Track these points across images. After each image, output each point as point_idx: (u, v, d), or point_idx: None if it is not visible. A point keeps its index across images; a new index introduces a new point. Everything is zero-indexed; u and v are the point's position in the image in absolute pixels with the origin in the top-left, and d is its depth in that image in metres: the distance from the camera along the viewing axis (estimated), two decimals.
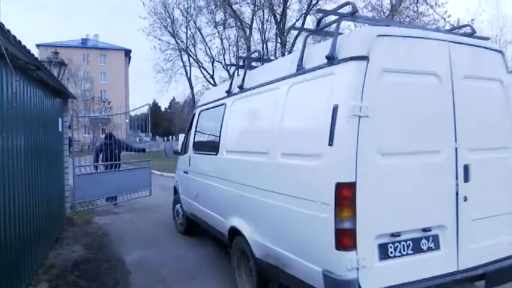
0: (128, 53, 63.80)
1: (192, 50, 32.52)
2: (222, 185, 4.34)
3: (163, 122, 73.80)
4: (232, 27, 26.35)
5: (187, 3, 28.61)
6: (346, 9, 2.96)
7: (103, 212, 8.53)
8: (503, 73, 3.24)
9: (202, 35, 30.54)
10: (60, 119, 6.76)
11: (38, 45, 47.93)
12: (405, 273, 2.64)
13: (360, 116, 2.50)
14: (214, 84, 33.64)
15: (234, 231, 3.91)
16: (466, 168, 2.90)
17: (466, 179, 2.90)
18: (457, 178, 2.88)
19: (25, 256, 4.06)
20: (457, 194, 2.87)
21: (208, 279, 4.51)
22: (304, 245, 2.83)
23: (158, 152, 32.03)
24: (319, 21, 3.41)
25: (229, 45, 30.52)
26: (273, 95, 3.43)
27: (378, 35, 2.63)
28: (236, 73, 4.74)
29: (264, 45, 25.52)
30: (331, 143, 2.57)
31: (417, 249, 2.72)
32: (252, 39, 24.47)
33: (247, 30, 23.96)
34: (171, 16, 30.06)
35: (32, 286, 4.19)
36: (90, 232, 6.77)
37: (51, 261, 5.06)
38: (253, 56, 4.67)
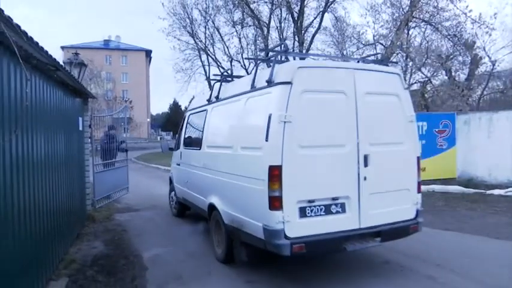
0: (148, 53, 64.70)
1: (211, 50, 32.61)
2: (204, 173, 5.60)
3: None
4: (250, 26, 26.28)
5: (206, 3, 28.71)
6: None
7: (123, 209, 8.66)
8: (400, 89, 4.46)
9: (220, 35, 30.60)
10: (80, 118, 6.89)
11: (62, 47, 49.08)
12: (318, 227, 3.83)
13: (285, 122, 3.72)
14: None
15: (212, 207, 5.12)
16: (366, 157, 4.08)
17: (366, 165, 4.08)
18: (358, 163, 4.06)
19: (47, 251, 4.16)
20: (358, 175, 4.05)
21: (224, 276, 4.52)
22: (252, 210, 4.03)
23: None
24: (267, 53, 4.92)
25: (247, 44, 30.46)
26: (237, 105, 4.69)
27: (299, 67, 3.90)
28: (218, 85, 5.71)
29: (282, 44, 25.37)
30: (267, 139, 3.78)
31: (328, 211, 3.92)
32: (270, 38, 24.35)
33: (265, 29, 23.86)
34: (190, 16, 30.22)
35: (53, 280, 4.28)
36: (110, 229, 6.88)
37: (72, 257, 5.17)
38: (228, 72, 6.34)
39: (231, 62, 32.66)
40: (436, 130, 11.24)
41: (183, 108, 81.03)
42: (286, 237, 3.67)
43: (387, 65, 4.75)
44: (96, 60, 35.27)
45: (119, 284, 4.36)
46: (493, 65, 16.67)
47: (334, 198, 3.94)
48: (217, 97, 5.53)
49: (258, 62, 6.15)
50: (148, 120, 67.41)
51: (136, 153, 26.57)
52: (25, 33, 2.78)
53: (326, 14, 22.45)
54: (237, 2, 23.58)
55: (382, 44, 18.12)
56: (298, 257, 3.87)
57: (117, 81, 52.45)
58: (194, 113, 6.77)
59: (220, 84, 5.53)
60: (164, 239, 6.21)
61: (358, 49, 19.32)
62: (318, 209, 3.87)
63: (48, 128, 4.35)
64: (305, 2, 21.60)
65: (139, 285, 4.31)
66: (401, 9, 17.56)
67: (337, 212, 3.96)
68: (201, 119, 6.09)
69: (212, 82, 6.16)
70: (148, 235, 6.48)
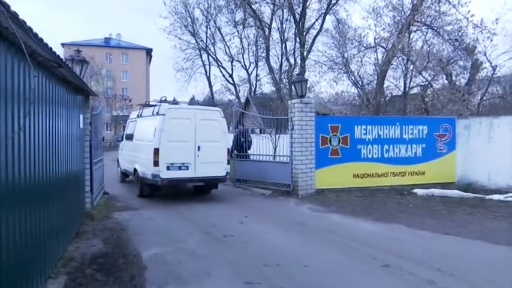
0: (149, 52, 64.60)
1: (212, 49, 32.64)
2: (132, 153, 10.92)
3: None
4: (251, 26, 26.31)
5: (208, 3, 28.72)
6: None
7: (122, 208, 8.64)
8: (219, 118, 9.59)
9: (221, 34, 30.62)
10: (81, 116, 6.86)
11: (63, 44, 49.03)
12: (175, 175, 8.94)
13: (161, 130, 8.83)
14: (233, 84, 33.68)
15: (135, 170, 10.15)
16: (199, 147, 9.12)
17: (199, 150, 9.15)
18: (195, 149, 9.16)
19: (46, 249, 4.12)
20: (195, 154, 9.13)
21: (223, 278, 4.50)
22: (148, 167, 9.08)
23: None
24: (161, 100, 10.05)
25: (248, 45, 30.50)
26: (147, 120, 10.07)
27: (169, 108, 9.14)
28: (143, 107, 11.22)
29: (283, 45, 25.38)
30: (154, 137, 8.91)
31: (180, 168, 9.01)
32: (271, 38, 24.35)
33: (267, 30, 23.86)
34: (192, 15, 30.22)
35: (51, 278, 4.25)
36: (109, 227, 6.85)
37: (71, 255, 5.14)
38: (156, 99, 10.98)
39: (231, 62, 32.66)
40: (437, 134, 11.27)
41: None
42: (160, 178, 8.79)
43: (215, 105, 12.18)
44: (97, 58, 35.26)
45: (118, 282, 4.33)
46: (494, 70, 16.71)
47: (183, 163, 9.04)
48: (141, 115, 10.97)
49: (162, 100, 9.99)
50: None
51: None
52: (30, 29, 2.76)
53: (328, 16, 22.51)
54: (239, 2, 23.60)
55: (383, 47, 18.14)
56: (165, 186, 9.18)
57: (117, 79, 52.38)
58: (131, 121, 12.11)
59: (143, 108, 11.01)
60: (163, 238, 6.19)
61: (359, 52, 19.35)
62: (175, 167, 8.94)
63: (49, 124, 4.32)
64: (307, 4, 21.63)
65: (139, 285, 4.29)
66: (403, 13, 17.59)
67: (184, 169, 9.07)
68: (133, 125, 11.40)
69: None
70: (147, 234, 6.46)
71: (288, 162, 10.23)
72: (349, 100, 19.93)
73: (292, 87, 16.08)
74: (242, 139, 11.84)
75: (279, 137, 14.59)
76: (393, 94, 19.53)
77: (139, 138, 10.26)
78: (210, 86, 35.84)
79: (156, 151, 8.66)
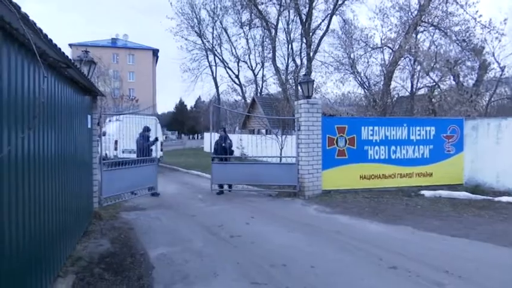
0: (155, 52, 64.87)
1: (218, 50, 32.70)
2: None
3: (189, 120, 74.43)
4: (258, 27, 26.33)
5: (214, 4, 28.80)
6: None
7: (130, 208, 8.69)
8: (155, 122, 12.34)
9: (228, 35, 30.68)
10: (89, 116, 6.91)
11: (70, 45, 49.41)
12: (126, 156, 13.09)
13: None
14: (239, 84, 33.68)
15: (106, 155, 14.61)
16: (116, 142, 15.47)
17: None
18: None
19: (55, 248, 4.16)
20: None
21: (229, 278, 4.51)
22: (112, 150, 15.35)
23: (184, 150, 32.40)
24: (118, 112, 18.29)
25: (254, 45, 30.54)
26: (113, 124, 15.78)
27: (116, 120, 15.20)
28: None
29: (289, 46, 25.35)
30: (112, 135, 14.91)
31: (130, 152, 12.86)
32: (277, 39, 24.35)
33: (273, 31, 23.86)
34: (198, 16, 30.32)
35: (60, 277, 4.29)
36: (116, 227, 6.90)
37: (79, 254, 5.18)
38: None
39: (238, 63, 32.66)
40: (444, 135, 11.18)
41: (188, 108, 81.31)
42: (118, 158, 12.93)
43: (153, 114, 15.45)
44: (104, 59, 35.39)
45: (126, 282, 4.36)
46: (502, 70, 16.54)
47: (131, 150, 12.17)
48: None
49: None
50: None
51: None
52: (41, 31, 2.79)
53: (334, 16, 22.45)
54: (245, 3, 23.62)
55: (390, 48, 18.05)
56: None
57: (124, 80, 52.52)
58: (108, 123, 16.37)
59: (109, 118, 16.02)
60: (170, 237, 6.23)
61: (365, 52, 19.27)
62: (126, 151, 13.69)
63: (58, 125, 4.37)
64: (313, 4, 21.59)
65: (146, 284, 4.31)
66: (409, 13, 17.51)
67: (133, 153, 11.62)
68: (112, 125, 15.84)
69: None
70: (154, 234, 6.49)
71: (294, 163, 10.21)
72: (355, 101, 19.85)
73: (299, 87, 16.07)
74: (222, 143, 11.00)
75: (285, 137, 14.61)
76: (400, 95, 19.43)
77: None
78: (217, 87, 35.92)
79: (116, 142, 15.05)
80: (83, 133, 6.30)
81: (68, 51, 41.91)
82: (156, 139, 11.01)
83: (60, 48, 3.67)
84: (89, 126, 6.93)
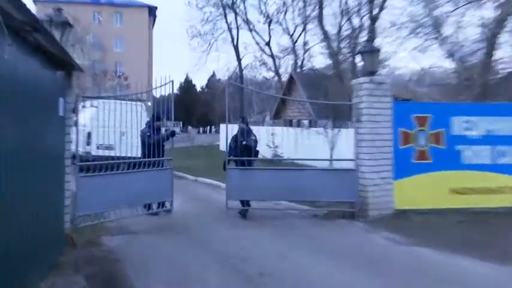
0: (152, 11, 65.77)
1: (241, 7, 32.70)
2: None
3: (198, 106, 74.75)
4: None
5: None
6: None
7: (115, 230, 8.75)
8: (140, 110, 13.29)
9: None
10: (61, 99, 6.95)
11: (35, 1, 50.81)
12: (101, 153, 14.69)
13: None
14: (271, 55, 33.62)
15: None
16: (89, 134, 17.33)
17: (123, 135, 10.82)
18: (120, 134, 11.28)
19: None
20: (120, 137, 10.65)
21: None
22: (84, 145, 17.17)
23: (192, 149, 32.60)
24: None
25: (292, 0, 30.28)
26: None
27: (91, 106, 16.77)
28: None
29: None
30: (84, 125, 16.15)
31: (107, 149, 13.41)
32: None
33: None
34: None
35: None
36: (97, 257, 6.95)
37: None
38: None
39: (269, 25, 32.57)
40: None
41: (198, 88, 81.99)
42: (92, 155, 14.97)
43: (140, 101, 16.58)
44: (81, 19, 36.12)
45: None
46: None
47: (108, 145, 12.56)
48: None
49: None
50: (150, 103, 68.52)
51: None
52: None
53: None
54: None
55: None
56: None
57: (109, 49, 53.55)
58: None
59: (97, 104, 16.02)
60: (173, 275, 6.21)
61: (456, 8, 18.79)
62: (102, 147, 14.41)
63: (15, 111, 4.33)
64: None
65: None
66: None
67: (111, 149, 12.66)
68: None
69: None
70: (148, 269, 6.49)
71: (352, 169, 10.04)
72: (441, 79, 19.44)
73: (357, 60, 15.82)
74: (243, 140, 10.63)
75: (338, 132, 14.44)
76: (509, 71, 18.88)
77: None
78: (238, 59, 36.07)
79: (89, 135, 17.46)
80: (52, 123, 6.33)
81: (32, 9, 43.09)
82: (173, 132, 10.87)
83: (25, 5, 3.66)
84: (61, 113, 6.97)
